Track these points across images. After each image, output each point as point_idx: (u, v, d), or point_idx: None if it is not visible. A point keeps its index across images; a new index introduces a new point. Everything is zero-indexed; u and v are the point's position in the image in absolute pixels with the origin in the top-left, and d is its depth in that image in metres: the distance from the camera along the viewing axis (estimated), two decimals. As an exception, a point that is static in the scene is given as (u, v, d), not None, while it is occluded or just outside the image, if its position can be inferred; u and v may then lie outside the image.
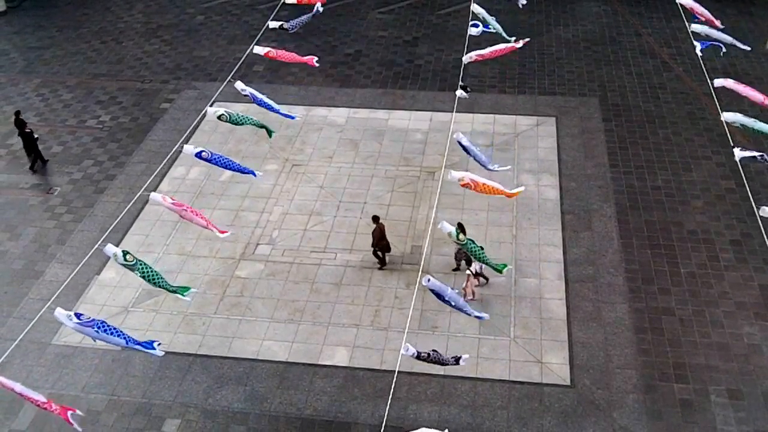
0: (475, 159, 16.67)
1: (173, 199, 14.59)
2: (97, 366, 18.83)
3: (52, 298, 14.07)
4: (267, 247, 22.29)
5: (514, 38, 20.05)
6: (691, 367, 18.42)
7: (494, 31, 20.38)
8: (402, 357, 12.61)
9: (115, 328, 12.41)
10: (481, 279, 20.41)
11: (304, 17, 20.14)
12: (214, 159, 15.71)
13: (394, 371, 13.81)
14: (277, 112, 17.81)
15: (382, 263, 21.47)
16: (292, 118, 18.31)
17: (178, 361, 18.93)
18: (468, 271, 19.94)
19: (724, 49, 19.59)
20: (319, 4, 20.13)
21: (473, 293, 20.05)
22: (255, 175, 16.18)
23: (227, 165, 15.92)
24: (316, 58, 19.62)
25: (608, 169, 24.99)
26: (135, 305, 20.50)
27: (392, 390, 13.81)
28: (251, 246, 22.36)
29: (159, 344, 12.89)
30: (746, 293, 20.32)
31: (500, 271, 14.41)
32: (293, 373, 18.51)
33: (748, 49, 19.89)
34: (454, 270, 21.14)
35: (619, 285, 20.66)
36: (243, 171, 16.14)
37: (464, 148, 16.41)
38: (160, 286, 13.37)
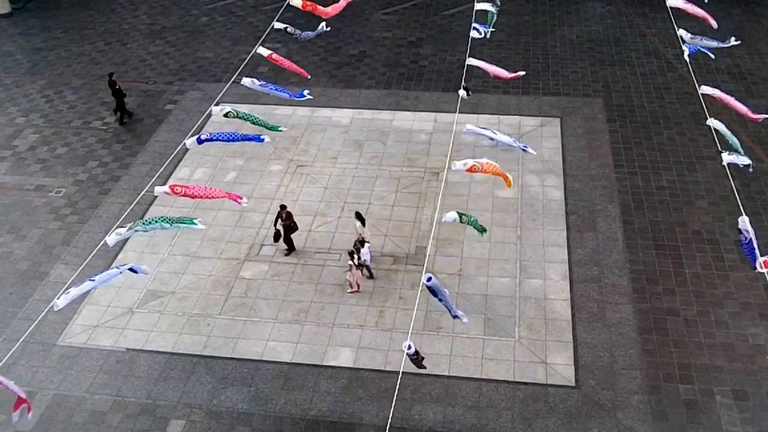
0: (496, 141, 17.14)
1: (173, 190, 14.74)
2: (101, 366, 18.87)
3: (55, 299, 14.05)
4: (271, 248, 22.30)
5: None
6: (696, 367, 18.39)
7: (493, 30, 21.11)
8: (405, 357, 12.65)
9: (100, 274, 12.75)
10: (365, 271, 20.74)
11: (312, 33, 20.24)
12: (214, 136, 15.95)
13: (399, 372, 13.80)
14: (290, 95, 18.50)
15: (291, 248, 21.96)
16: (302, 96, 18.87)
17: (182, 361, 18.96)
18: (350, 263, 20.21)
19: (712, 56, 19.87)
20: (323, 24, 20.30)
21: (358, 285, 20.49)
22: (262, 140, 16.47)
23: (231, 138, 16.21)
24: (309, 77, 20.37)
25: (613, 170, 24.96)
26: (140, 306, 20.53)
27: (396, 391, 13.82)
28: (255, 247, 22.39)
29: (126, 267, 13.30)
30: (751, 294, 20.28)
31: (482, 233, 15.97)
32: (298, 374, 18.53)
33: (736, 42, 19.96)
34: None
35: (624, 285, 20.64)
36: (249, 139, 16.42)
37: (480, 134, 16.84)
38: (172, 223, 13.82)
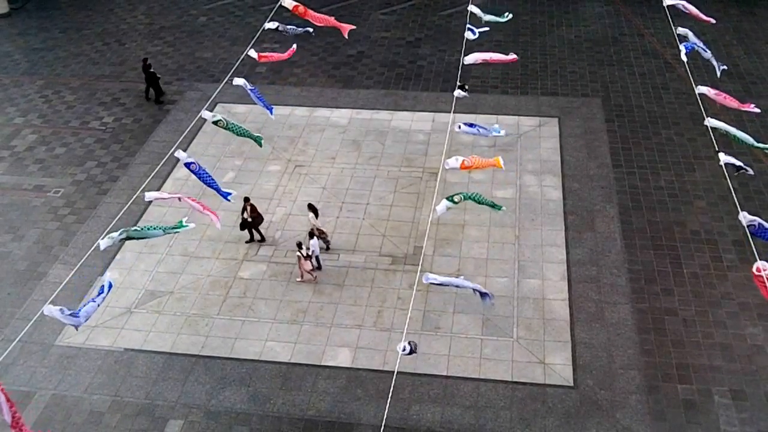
0: (483, 135, 17.69)
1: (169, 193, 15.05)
2: (100, 367, 18.86)
3: (52, 297, 14.07)
4: (270, 248, 22.30)
5: (507, 15, 21.70)
6: (694, 367, 18.40)
7: (490, 27, 21.29)
8: (403, 357, 12.65)
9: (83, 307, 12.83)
10: (313, 262, 20.97)
11: (300, 29, 20.26)
12: (196, 169, 16.11)
13: (394, 372, 13.78)
14: (264, 105, 18.61)
15: (262, 238, 22.45)
16: (271, 111, 18.83)
17: (181, 362, 18.95)
18: (298, 254, 20.49)
19: (707, 52, 20.00)
20: (310, 29, 20.53)
21: (311, 274, 20.89)
22: (228, 199, 16.61)
23: (209, 183, 16.35)
24: (294, 48, 20.01)
25: (611, 170, 24.97)
26: (138, 306, 20.52)
27: (391, 390, 13.81)
28: (254, 247, 22.37)
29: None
30: (749, 294, 20.27)
31: (499, 209, 16.34)
32: (296, 374, 18.52)
33: (724, 68, 20.10)
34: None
35: (622, 285, 20.64)
36: (219, 193, 16.57)
37: (469, 131, 17.18)
38: (165, 230, 14.21)
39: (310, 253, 20.61)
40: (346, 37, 20.73)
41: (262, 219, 22.33)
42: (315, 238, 20.74)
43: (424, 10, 36.51)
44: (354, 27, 20.75)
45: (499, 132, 18.12)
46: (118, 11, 37.84)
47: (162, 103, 29.74)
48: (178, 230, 14.34)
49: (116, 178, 25.52)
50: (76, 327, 13.00)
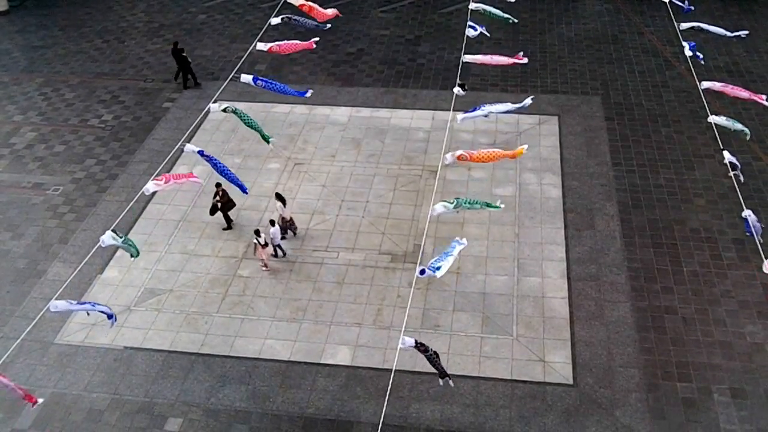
0: (495, 113, 17.59)
1: (162, 178, 15.39)
2: (99, 365, 18.85)
3: (54, 297, 14.05)
4: (269, 247, 22.25)
5: (510, 20, 21.94)
6: (694, 365, 18.40)
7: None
8: (402, 355, 12.65)
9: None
10: (271, 250, 21.29)
11: (310, 22, 20.28)
12: (211, 158, 16.23)
13: (393, 370, 13.78)
14: (293, 93, 19.07)
15: (229, 224, 23.06)
16: (303, 95, 19.00)
17: (180, 360, 18.94)
18: (255, 241, 20.78)
19: (701, 58, 20.23)
20: (328, 24, 20.94)
21: (265, 264, 21.24)
22: (246, 191, 16.78)
23: (222, 170, 16.43)
24: (316, 39, 19.90)
25: (611, 168, 24.95)
26: (137, 304, 20.51)
27: (389, 388, 13.81)
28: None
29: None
30: (749, 292, 20.28)
31: (497, 208, 15.44)
32: (295, 372, 18.52)
33: (746, 32, 20.19)
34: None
35: (622, 284, 20.64)
36: (236, 183, 16.67)
37: (474, 114, 17.27)
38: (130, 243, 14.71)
39: (269, 241, 20.83)
40: (325, 24, 20.78)
41: (233, 204, 22.74)
42: (276, 226, 20.97)
43: (424, 7, 36.47)
44: (329, 24, 20.91)
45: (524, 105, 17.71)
46: (117, 9, 37.79)
47: (191, 87, 30.40)
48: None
49: (116, 176, 25.50)
50: (88, 312, 13.32)
